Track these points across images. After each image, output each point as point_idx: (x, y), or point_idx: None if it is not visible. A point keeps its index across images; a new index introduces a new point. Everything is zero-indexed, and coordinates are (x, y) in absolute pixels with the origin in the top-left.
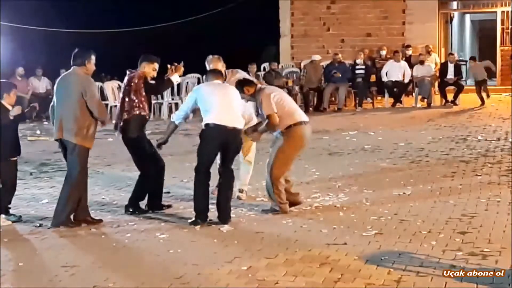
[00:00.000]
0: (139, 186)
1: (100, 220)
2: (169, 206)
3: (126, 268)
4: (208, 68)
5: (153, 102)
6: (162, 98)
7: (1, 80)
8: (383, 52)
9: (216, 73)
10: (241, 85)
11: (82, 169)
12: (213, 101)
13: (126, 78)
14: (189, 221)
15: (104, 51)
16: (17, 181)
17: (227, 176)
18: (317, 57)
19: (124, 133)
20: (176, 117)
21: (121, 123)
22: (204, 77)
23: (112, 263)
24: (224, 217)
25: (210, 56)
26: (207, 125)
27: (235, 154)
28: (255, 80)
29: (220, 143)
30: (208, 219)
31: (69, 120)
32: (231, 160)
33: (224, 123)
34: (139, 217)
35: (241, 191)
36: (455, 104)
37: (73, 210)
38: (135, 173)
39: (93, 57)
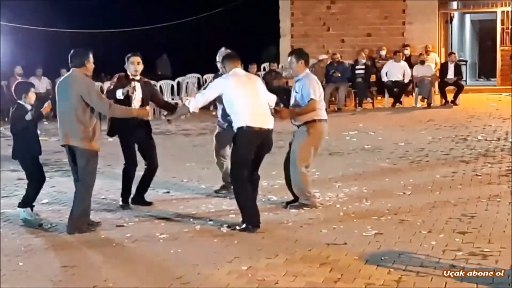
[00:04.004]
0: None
1: (99, 223)
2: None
3: (126, 268)
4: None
5: None
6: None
7: (19, 81)
8: (383, 52)
9: (234, 57)
10: (304, 56)
11: (91, 173)
12: (243, 99)
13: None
14: (238, 228)
15: (104, 51)
16: (17, 181)
17: (254, 177)
18: (324, 57)
19: None
20: (193, 105)
21: None
22: (204, 77)
23: (112, 263)
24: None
25: (222, 49)
26: (240, 128)
27: (266, 153)
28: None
29: (256, 146)
30: (259, 225)
31: (73, 125)
32: (260, 162)
33: (258, 125)
34: (139, 217)
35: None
36: (455, 104)
37: (88, 215)
38: (136, 173)
39: (91, 56)
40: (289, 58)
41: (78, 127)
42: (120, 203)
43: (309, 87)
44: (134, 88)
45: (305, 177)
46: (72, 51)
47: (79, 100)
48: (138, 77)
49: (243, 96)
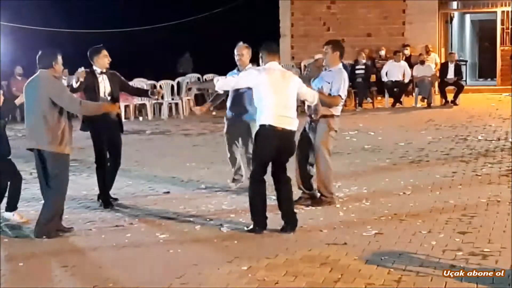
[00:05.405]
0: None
1: (71, 228)
2: (116, 200)
3: (126, 268)
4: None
5: (153, 102)
6: (162, 98)
7: None
8: (382, 52)
9: (273, 51)
10: (341, 48)
11: (63, 177)
12: (272, 97)
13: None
14: (246, 228)
15: None
16: None
17: (284, 180)
18: (319, 56)
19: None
20: (220, 85)
21: None
22: (204, 77)
23: (112, 263)
24: (292, 223)
25: (240, 43)
26: (263, 126)
27: (289, 157)
28: None
29: (276, 146)
30: (267, 227)
31: (41, 128)
32: (285, 163)
33: (281, 125)
34: (139, 217)
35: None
36: (455, 104)
37: (57, 220)
38: (135, 173)
39: (59, 58)
40: (325, 47)
41: (46, 130)
42: (101, 202)
43: (341, 83)
44: (83, 73)
45: (331, 173)
46: (39, 52)
47: (47, 102)
48: (104, 70)
49: (272, 93)
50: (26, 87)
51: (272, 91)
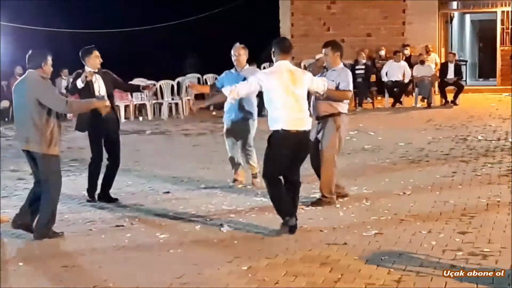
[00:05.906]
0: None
1: (62, 233)
2: (116, 200)
3: (126, 268)
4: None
5: (153, 102)
6: (162, 98)
7: None
8: (382, 52)
9: (285, 49)
10: (340, 48)
11: (56, 178)
12: (282, 100)
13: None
14: (281, 226)
15: (104, 50)
16: (17, 181)
17: (294, 182)
18: (320, 55)
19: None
20: (232, 96)
21: None
22: (204, 77)
23: (112, 263)
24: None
25: (237, 44)
26: (276, 131)
27: (304, 157)
28: None
29: (292, 149)
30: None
31: (30, 129)
32: (299, 165)
33: (295, 128)
34: (139, 217)
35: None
36: (455, 104)
37: (54, 221)
38: (135, 173)
39: (49, 58)
40: (324, 49)
41: (36, 132)
42: (87, 197)
43: (349, 79)
44: (91, 73)
45: (336, 173)
46: (29, 52)
47: (35, 103)
48: (97, 70)
49: (282, 97)
50: (14, 88)
51: (282, 94)
